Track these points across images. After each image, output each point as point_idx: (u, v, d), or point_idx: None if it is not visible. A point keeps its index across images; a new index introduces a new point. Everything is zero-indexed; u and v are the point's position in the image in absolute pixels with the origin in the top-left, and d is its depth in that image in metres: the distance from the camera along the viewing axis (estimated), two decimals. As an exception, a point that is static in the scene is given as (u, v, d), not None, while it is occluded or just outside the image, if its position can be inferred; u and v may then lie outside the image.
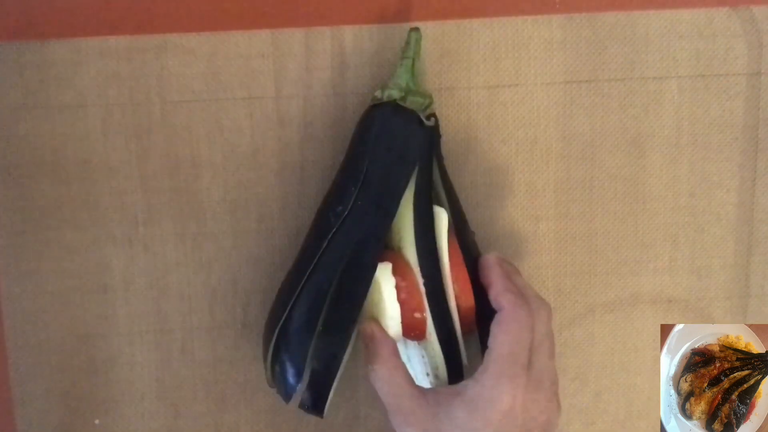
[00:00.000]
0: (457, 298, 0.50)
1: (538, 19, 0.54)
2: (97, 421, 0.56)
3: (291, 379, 0.49)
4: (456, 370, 0.50)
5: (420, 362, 0.52)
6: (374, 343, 0.49)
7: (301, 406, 0.50)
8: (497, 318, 0.48)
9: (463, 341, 0.51)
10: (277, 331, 0.50)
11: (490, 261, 0.51)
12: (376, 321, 0.50)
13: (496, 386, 0.46)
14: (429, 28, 0.53)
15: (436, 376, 0.51)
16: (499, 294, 0.49)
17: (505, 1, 0.54)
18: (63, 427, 0.56)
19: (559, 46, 0.55)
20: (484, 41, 0.54)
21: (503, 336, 0.48)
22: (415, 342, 0.51)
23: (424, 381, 0.52)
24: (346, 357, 0.49)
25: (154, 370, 0.56)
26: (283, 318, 0.49)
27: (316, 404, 0.49)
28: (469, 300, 0.51)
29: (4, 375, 0.55)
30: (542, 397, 0.48)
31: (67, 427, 0.56)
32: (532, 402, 0.47)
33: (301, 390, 0.50)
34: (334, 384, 0.49)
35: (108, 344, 0.55)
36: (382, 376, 0.48)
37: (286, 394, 0.50)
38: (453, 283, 0.50)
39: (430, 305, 0.49)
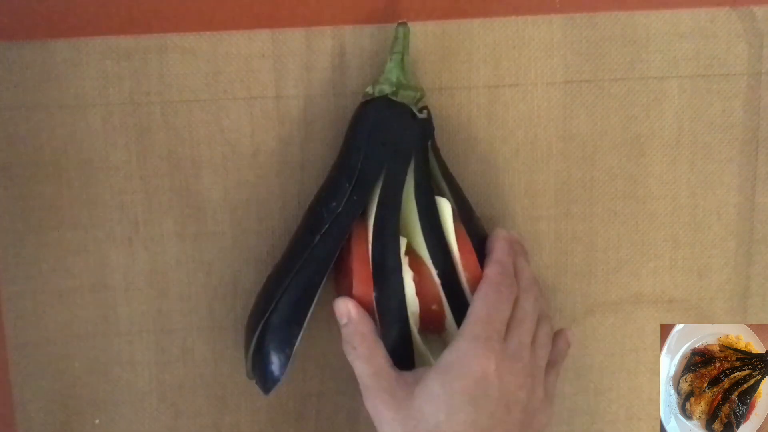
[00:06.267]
0: (469, 284, 0.50)
1: (538, 19, 0.54)
2: (97, 421, 0.56)
3: (275, 370, 0.49)
4: None
5: None
6: (353, 322, 0.48)
7: None
8: (479, 285, 0.48)
9: None
10: (261, 323, 0.50)
11: (498, 234, 0.51)
12: (351, 299, 0.49)
13: (470, 349, 0.46)
14: (429, 28, 0.53)
15: None
16: (487, 263, 0.49)
17: (505, 1, 0.54)
18: (63, 427, 0.56)
19: (559, 46, 0.55)
20: (484, 41, 0.54)
21: (480, 301, 0.47)
22: (436, 336, 0.51)
23: None
24: (415, 348, 0.49)
25: (154, 370, 0.56)
26: (269, 310, 0.49)
27: None
28: None
29: (4, 375, 0.55)
30: (519, 370, 0.46)
31: (67, 427, 0.56)
32: (508, 372, 0.46)
33: (282, 382, 0.49)
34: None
35: (108, 344, 0.55)
36: (361, 355, 0.48)
37: (266, 386, 0.50)
38: (463, 270, 0.50)
39: (446, 296, 0.49)
